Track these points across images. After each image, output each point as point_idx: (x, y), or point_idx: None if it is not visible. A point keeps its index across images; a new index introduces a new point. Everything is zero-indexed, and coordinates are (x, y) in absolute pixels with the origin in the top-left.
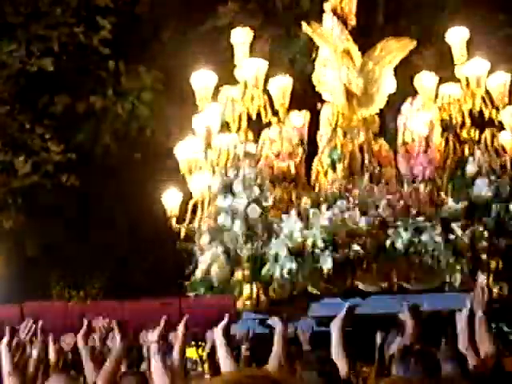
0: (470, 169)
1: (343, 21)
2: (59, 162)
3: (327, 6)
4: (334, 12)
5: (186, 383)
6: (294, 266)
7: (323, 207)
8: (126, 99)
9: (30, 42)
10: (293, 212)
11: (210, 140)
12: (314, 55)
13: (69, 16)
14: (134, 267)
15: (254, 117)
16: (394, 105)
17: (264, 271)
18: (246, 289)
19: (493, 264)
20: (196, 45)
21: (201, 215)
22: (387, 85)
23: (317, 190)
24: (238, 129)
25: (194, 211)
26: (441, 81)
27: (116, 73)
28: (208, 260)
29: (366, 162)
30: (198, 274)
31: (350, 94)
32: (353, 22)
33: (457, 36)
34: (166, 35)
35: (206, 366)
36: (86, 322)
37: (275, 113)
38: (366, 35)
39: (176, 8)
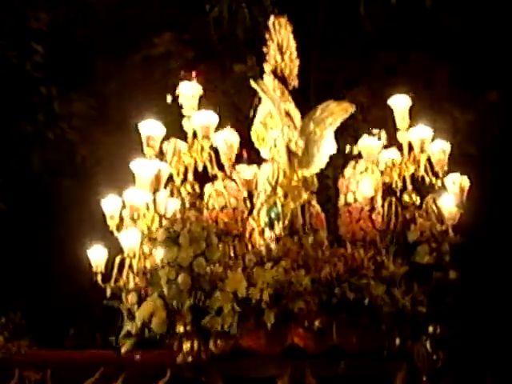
0: (412, 235)
1: (284, 82)
2: None
3: (267, 68)
4: (275, 74)
5: None
6: (236, 320)
7: (268, 265)
8: (57, 125)
9: None
10: (239, 270)
11: (159, 187)
12: (251, 112)
13: (1, 39)
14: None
15: (200, 169)
16: (335, 168)
17: (203, 323)
18: (186, 343)
19: (430, 329)
20: (130, 73)
21: (128, 273)
22: (328, 146)
23: (250, 248)
24: (183, 181)
25: (120, 269)
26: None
27: (48, 98)
28: (144, 315)
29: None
30: (129, 329)
31: (291, 154)
32: (294, 82)
33: (400, 103)
34: (99, 62)
35: None
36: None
37: (221, 166)
38: (305, 97)
39: (110, 35)
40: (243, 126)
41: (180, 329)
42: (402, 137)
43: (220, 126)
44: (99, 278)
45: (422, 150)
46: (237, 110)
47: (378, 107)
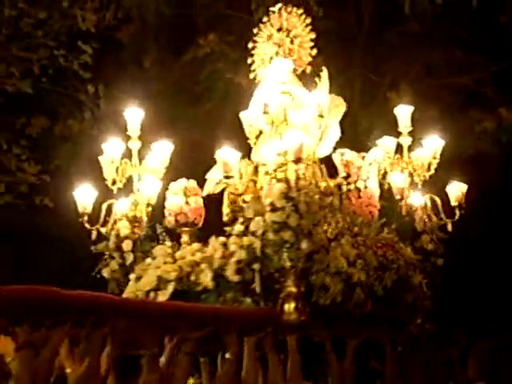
0: (419, 225)
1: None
2: (34, 184)
3: (272, 50)
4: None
5: None
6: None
7: (346, 238)
8: (104, 123)
9: (9, 63)
10: (338, 250)
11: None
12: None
13: (50, 39)
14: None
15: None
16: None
17: (312, 299)
18: (290, 303)
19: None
20: (176, 73)
21: (118, 219)
22: (334, 133)
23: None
24: None
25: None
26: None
27: (95, 96)
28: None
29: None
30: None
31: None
32: (303, 67)
33: (403, 112)
34: (146, 63)
35: None
36: None
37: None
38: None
39: (157, 37)
40: None
41: (291, 289)
42: (403, 140)
43: None
44: (85, 219)
45: (435, 157)
46: None
47: None
